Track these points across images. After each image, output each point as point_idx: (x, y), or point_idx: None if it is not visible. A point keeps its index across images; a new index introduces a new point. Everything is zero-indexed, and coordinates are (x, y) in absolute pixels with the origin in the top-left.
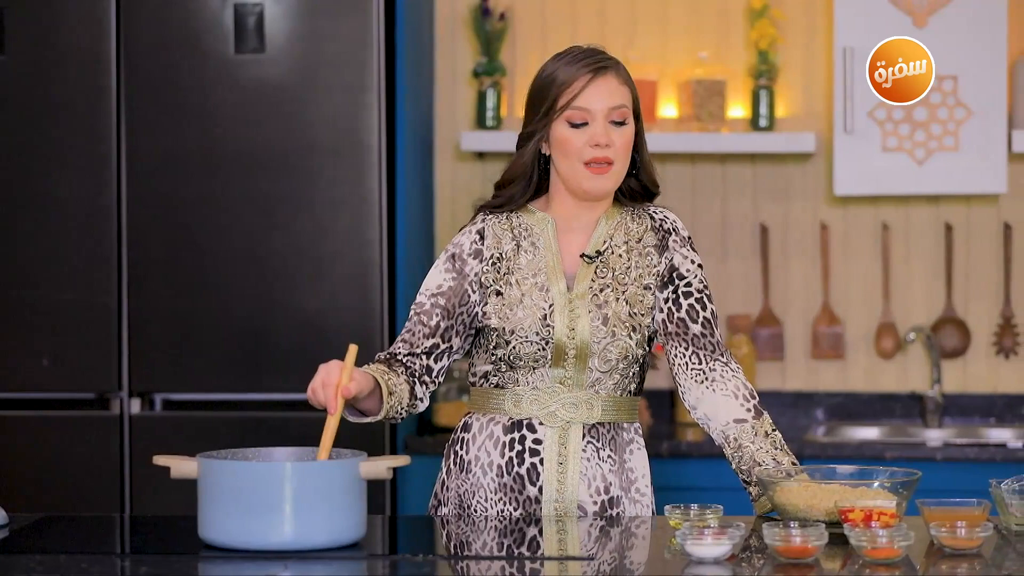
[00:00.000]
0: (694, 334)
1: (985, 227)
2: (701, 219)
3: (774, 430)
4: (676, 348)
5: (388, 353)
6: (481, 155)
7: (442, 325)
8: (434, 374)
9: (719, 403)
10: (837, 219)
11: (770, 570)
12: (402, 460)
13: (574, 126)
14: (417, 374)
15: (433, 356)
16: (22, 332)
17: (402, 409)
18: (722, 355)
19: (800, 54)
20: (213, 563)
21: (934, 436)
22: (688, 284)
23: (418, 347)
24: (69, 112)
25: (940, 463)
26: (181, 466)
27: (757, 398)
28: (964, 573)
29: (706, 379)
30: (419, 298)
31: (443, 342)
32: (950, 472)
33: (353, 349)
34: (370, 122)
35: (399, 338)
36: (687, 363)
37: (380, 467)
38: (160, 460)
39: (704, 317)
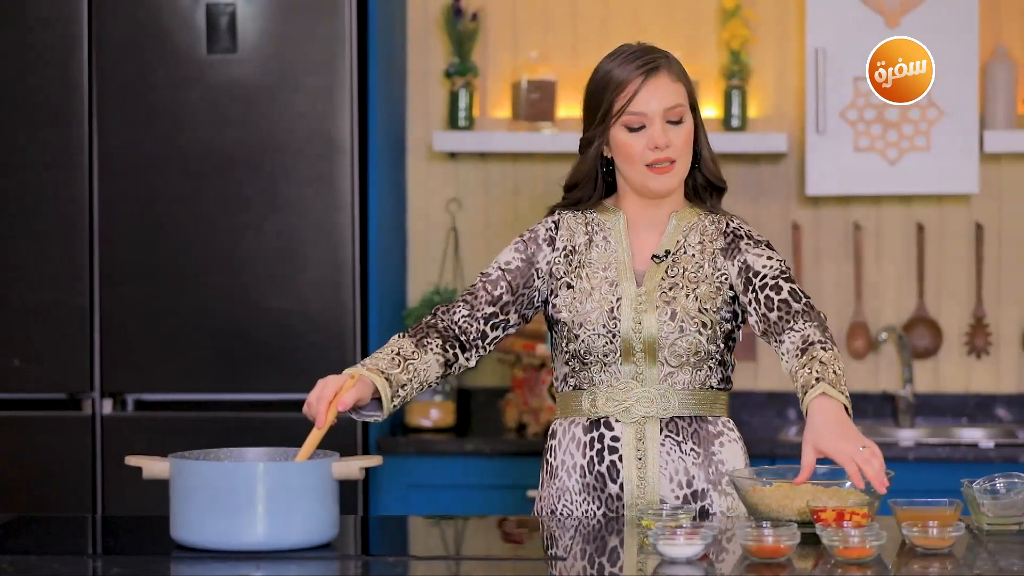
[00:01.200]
0: (773, 321)
1: (957, 227)
2: None
3: (831, 363)
4: (776, 343)
5: (428, 320)
6: (453, 155)
7: (504, 298)
8: (487, 340)
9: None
10: (809, 219)
11: (742, 570)
12: (374, 460)
13: (632, 130)
14: (471, 337)
15: (490, 323)
16: None
17: (427, 388)
18: (807, 315)
19: (772, 55)
20: (185, 563)
21: (906, 436)
22: (763, 278)
23: (479, 311)
24: (41, 112)
25: (912, 463)
26: (153, 466)
27: (831, 340)
28: (936, 573)
29: (781, 351)
30: (488, 268)
31: (502, 313)
32: (922, 472)
33: (356, 374)
34: (342, 122)
35: (459, 299)
36: (787, 349)
37: (352, 467)
38: (132, 460)
39: (779, 300)
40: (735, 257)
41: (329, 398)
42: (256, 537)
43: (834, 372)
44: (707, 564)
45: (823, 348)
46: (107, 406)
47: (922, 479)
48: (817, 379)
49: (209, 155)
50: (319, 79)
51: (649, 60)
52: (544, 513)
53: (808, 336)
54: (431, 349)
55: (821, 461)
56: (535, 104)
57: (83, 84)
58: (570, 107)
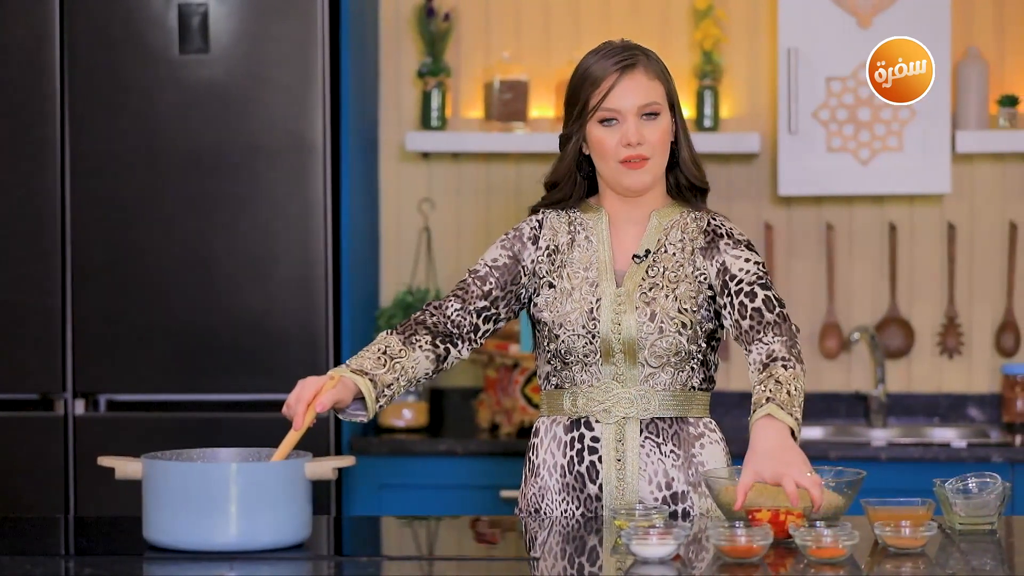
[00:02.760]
0: (744, 329)
1: (929, 227)
2: None
3: (796, 378)
4: (746, 351)
5: (418, 317)
6: (426, 155)
7: (494, 292)
8: (480, 333)
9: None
10: (781, 219)
11: (715, 570)
12: (347, 460)
13: (606, 126)
14: (464, 330)
15: (482, 317)
16: None
17: (415, 385)
18: (778, 327)
19: (744, 55)
20: (158, 564)
21: (878, 436)
22: (739, 282)
23: (471, 304)
24: (12, 112)
25: (884, 463)
26: (126, 467)
27: (796, 358)
28: (908, 572)
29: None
30: (476, 265)
31: (492, 307)
32: (894, 472)
33: (336, 376)
34: (315, 122)
35: (450, 295)
36: (753, 360)
37: (325, 467)
38: (105, 461)
39: (752, 308)
40: (714, 257)
41: (308, 399)
42: (229, 537)
43: (788, 393)
44: (680, 564)
45: (784, 366)
46: (79, 406)
47: (894, 479)
48: (768, 399)
49: (181, 155)
50: (291, 79)
51: (626, 57)
52: (528, 511)
53: (773, 352)
54: (419, 346)
55: None
56: (507, 104)
57: (55, 84)
58: (542, 107)
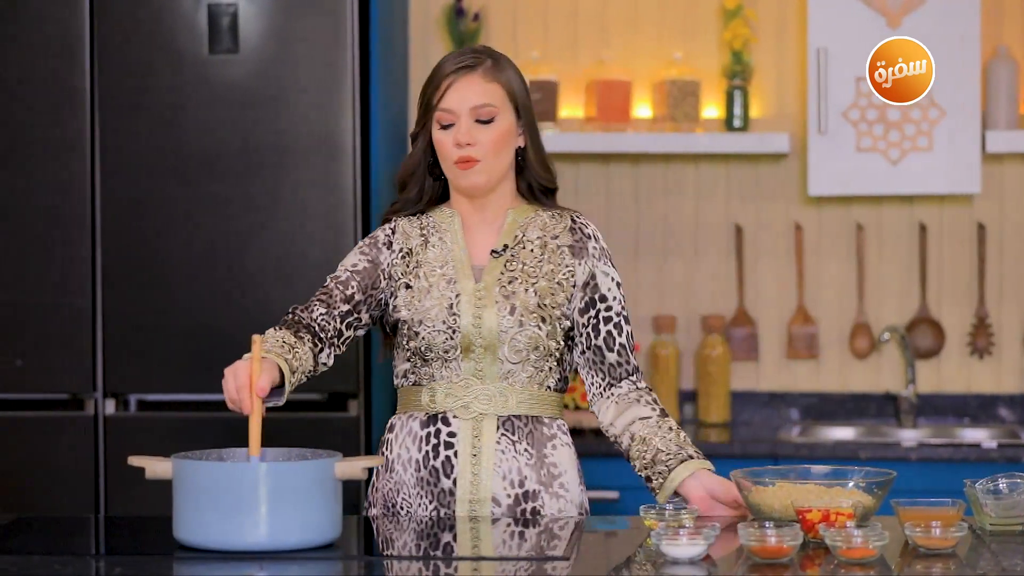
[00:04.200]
0: (610, 363)
1: (959, 227)
2: (675, 220)
3: (680, 429)
4: (590, 374)
5: (293, 317)
6: None
7: (356, 297)
8: (342, 339)
9: (623, 409)
10: (811, 219)
11: (745, 570)
12: (377, 460)
13: (443, 128)
14: (329, 335)
15: (346, 322)
16: None
17: (304, 378)
18: (633, 376)
19: (774, 54)
20: (188, 564)
21: (908, 436)
22: (608, 308)
23: (335, 309)
24: (43, 113)
25: (914, 463)
26: (156, 467)
27: (662, 407)
28: (939, 573)
29: (612, 395)
30: (337, 271)
31: (355, 312)
32: (924, 472)
33: (258, 340)
34: (344, 123)
35: (314, 299)
36: (600, 391)
37: (355, 467)
38: (135, 461)
39: (620, 344)
40: (584, 259)
41: (247, 384)
42: (258, 537)
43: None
44: (710, 564)
45: (673, 421)
46: (110, 406)
47: (924, 479)
48: (690, 456)
49: (211, 156)
50: (321, 79)
51: (469, 60)
52: (376, 505)
53: (659, 409)
54: (305, 341)
55: (821, 461)
56: (537, 104)
57: (85, 85)
58: (571, 107)
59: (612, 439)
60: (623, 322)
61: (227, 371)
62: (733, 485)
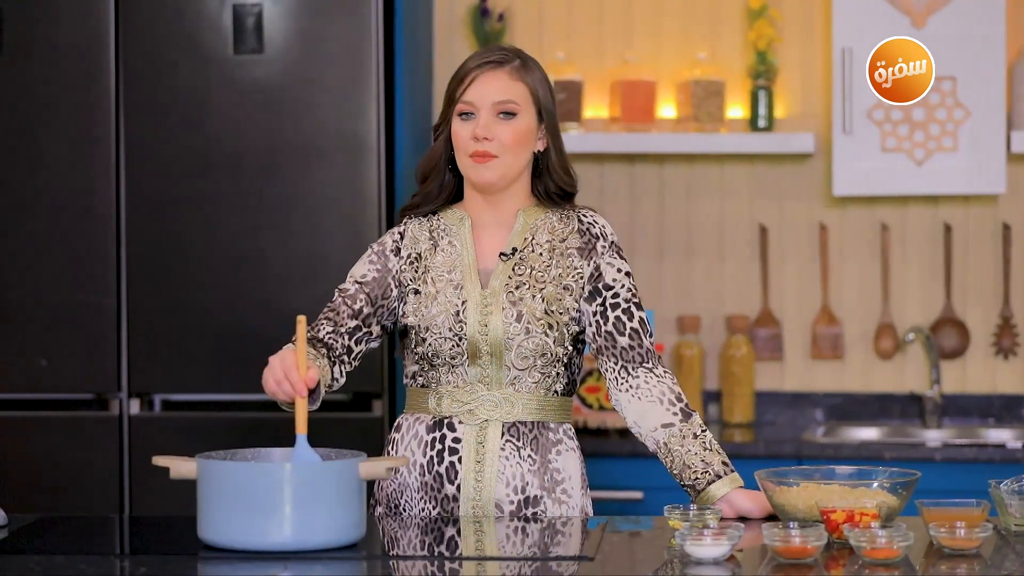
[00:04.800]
0: (622, 347)
1: (984, 228)
2: (699, 220)
3: (704, 431)
4: (606, 362)
5: (309, 334)
6: None
7: (365, 310)
8: (353, 355)
9: (646, 410)
10: (836, 219)
11: (769, 570)
12: (401, 461)
13: (463, 120)
14: (337, 353)
15: (354, 338)
16: (21, 332)
17: (325, 391)
18: (648, 361)
19: (799, 54)
20: (212, 564)
21: (933, 436)
22: (615, 295)
23: (342, 326)
24: (67, 112)
25: (939, 463)
26: (180, 467)
27: (684, 400)
28: (963, 573)
29: (630, 387)
30: (345, 284)
31: (364, 326)
32: (949, 472)
33: (302, 320)
34: (369, 122)
35: (321, 317)
36: (616, 376)
37: (379, 467)
38: (159, 461)
39: (631, 328)
40: (590, 258)
41: (295, 367)
42: (283, 537)
43: (717, 451)
44: (734, 565)
45: (695, 418)
46: (134, 406)
47: (949, 480)
48: (718, 474)
49: (236, 155)
50: (346, 79)
51: (494, 56)
52: (381, 504)
53: (679, 394)
54: (322, 355)
55: (845, 461)
56: (562, 104)
57: (110, 85)
58: (596, 107)
59: (632, 431)
60: (633, 308)
61: (273, 358)
62: (762, 496)
